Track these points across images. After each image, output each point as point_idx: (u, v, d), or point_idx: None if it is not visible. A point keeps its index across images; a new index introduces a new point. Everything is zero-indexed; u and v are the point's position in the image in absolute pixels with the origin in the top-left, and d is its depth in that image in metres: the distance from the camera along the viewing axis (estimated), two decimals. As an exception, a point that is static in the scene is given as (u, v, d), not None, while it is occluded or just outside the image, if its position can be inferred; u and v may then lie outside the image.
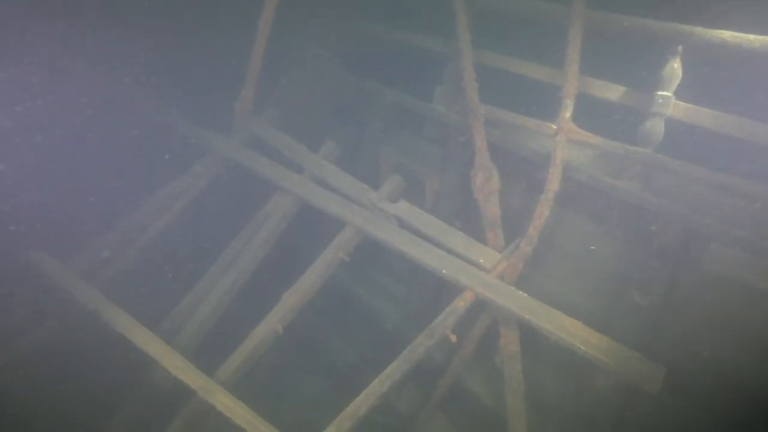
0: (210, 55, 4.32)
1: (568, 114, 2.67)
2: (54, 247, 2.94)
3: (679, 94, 2.56)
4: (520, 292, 2.75)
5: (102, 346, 2.90)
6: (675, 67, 2.50)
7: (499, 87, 3.35)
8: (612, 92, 2.75)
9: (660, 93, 2.57)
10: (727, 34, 2.37)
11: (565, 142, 2.69)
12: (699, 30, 2.39)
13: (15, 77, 3.66)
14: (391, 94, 4.16)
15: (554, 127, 2.75)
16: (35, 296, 2.92)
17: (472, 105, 3.12)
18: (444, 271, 2.89)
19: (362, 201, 3.29)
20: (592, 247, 2.88)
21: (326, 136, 3.86)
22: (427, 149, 4.01)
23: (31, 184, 3.41)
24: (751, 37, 2.33)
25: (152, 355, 2.48)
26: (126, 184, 3.91)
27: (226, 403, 2.39)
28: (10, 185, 3.30)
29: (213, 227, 3.93)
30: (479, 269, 2.88)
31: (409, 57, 4.28)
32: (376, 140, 4.15)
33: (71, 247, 3.14)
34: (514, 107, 3.29)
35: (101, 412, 3.05)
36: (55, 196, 3.59)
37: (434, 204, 3.80)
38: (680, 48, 2.47)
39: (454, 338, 2.73)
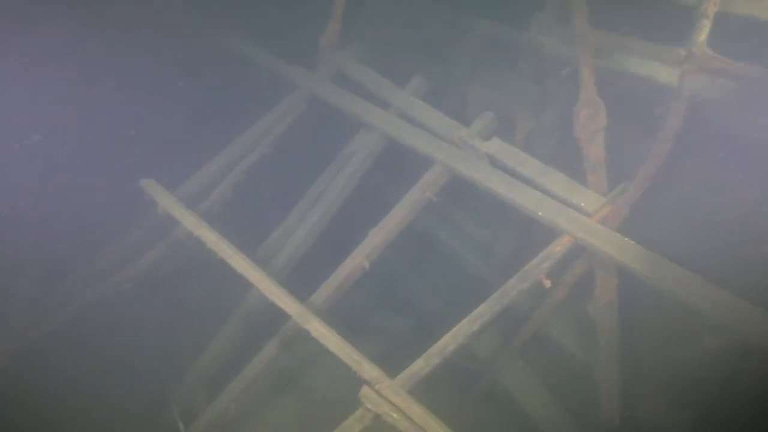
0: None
1: (702, 36, 2.29)
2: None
3: None
4: (626, 239, 2.53)
5: (204, 271, 3.13)
6: None
7: (612, 11, 2.97)
8: (765, 8, 2.31)
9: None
10: None
11: (694, 70, 2.33)
12: None
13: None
14: (482, 24, 3.84)
15: (683, 52, 2.38)
16: (147, 224, 3.15)
17: (581, 30, 2.79)
18: (540, 213, 2.72)
19: (452, 138, 3.14)
20: (716, 195, 2.56)
21: (412, 72, 3.69)
22: (521, 85, 3.72)
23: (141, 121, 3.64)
24: None
25: (251, 281, 2.60)
26: (217, 122, 4.04)
27: (319, 330, 2.48)
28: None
29: (300, 163, 4.00)
30: (579, 213, 2.68)
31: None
32: (465, 76, 3.90)
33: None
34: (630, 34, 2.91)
35: (204, 332, 3.33)
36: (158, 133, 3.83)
37: (526, 145, 3.56)
38: None
39: (548, 283, 2.61)
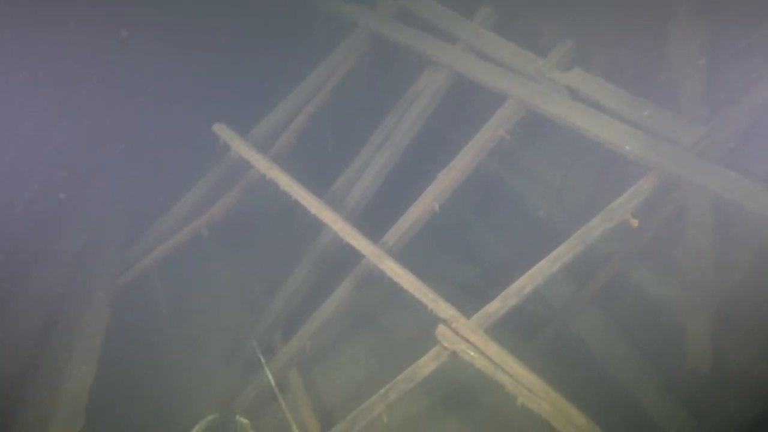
0: None
1: None
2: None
3: None
4: (729, 172, 2.29)
5: (276, 213, 3.17)
6: None
7: None
8: None
9: None
10: None
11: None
12: None
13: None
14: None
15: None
16: (220, 170, 3.22)
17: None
18: (628, 147, 2.51)
19: (527, 71, 2.93)
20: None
21: (478, 3, 3.43)
22: (598, 13, 3.37)
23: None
24: None
25: (325, 222, 2.61)
26: (276, 66, 4.00)
27: (395, 269, 2.47)
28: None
29: (362, 106, 3.91)
30: (674, 145, 2.44)
31: None
32: (534, 5, 3.59)
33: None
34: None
35: (278, 272, 3.44)
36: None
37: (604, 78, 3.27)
38: None
39: (635, 222, 2.43)
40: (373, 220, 3.12)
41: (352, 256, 2.79)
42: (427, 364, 2.42)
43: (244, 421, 3.10)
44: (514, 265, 4.05)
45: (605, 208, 2.46)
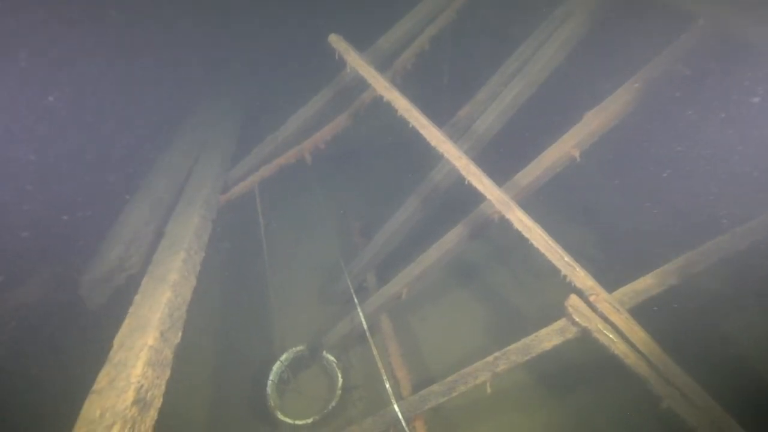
0: None
1: None
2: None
3: None
4: None
5: (384, 147, 2.85)
6: None
7: None
8: None
9: None
10: None
11: None
12: None
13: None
14: None
15: None
16: (332, 88, 2.93)
17: None
18: None
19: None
20: None
21: None
22: None
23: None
24: None
25: (445, 156, 2.23)
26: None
27: (524, 221, 2.05)
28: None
29: (494, 29, 3.36)
30: None
31: None
32: None
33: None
34: None
35: (379, 209, 3.18)
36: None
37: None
38: None
39: None
40: (492, 160, 2.68)
41: (466, 200, 2.41)
42: (548, 338, 2.03)
43: (331, 358, 2.99)
44: (648, 240, 3.42)
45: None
